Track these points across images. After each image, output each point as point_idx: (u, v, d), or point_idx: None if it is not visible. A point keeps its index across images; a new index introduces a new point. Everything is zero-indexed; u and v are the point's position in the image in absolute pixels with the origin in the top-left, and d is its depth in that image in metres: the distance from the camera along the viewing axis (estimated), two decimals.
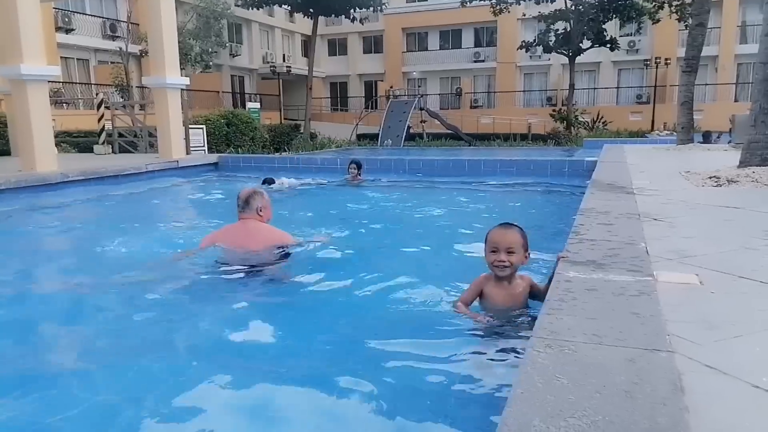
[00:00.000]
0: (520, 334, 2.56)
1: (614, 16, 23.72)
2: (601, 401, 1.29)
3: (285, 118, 30.71)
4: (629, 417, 1.22)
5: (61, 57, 22.26)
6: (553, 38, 24.82)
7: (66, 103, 22.04)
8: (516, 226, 2.82)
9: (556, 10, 24.35)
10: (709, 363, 1.50)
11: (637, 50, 31.78)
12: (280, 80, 30.28)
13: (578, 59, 25.22)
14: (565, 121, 23.58)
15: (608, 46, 24.59)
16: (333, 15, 26.49)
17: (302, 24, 34.40)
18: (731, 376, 1.44)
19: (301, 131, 25.60)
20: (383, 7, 27.02)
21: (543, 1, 23.86)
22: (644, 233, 3.14)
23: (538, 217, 5.94)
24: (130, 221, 6.08)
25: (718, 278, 2.30)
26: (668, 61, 27.94)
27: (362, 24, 27.76)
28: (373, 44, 38.69)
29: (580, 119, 24.23)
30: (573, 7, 23.48)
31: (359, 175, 8.52)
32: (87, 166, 8.83)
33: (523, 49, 26.83)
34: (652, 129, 25.21)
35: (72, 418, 2.06)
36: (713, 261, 2.56)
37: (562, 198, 7.14)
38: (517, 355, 2.40)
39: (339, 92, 39.85)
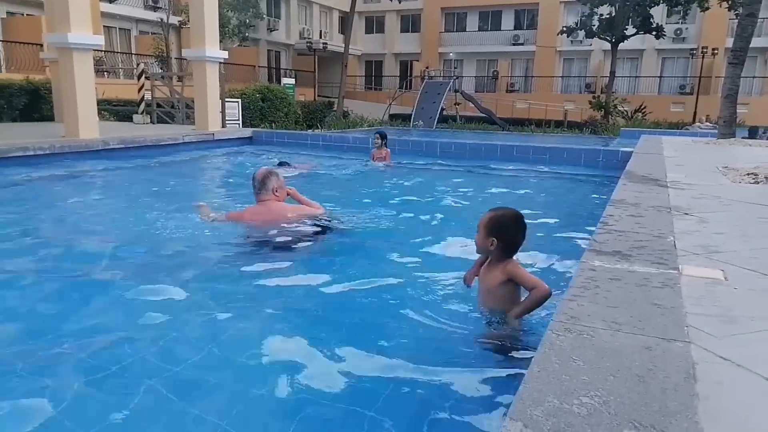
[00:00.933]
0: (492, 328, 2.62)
1: (662, 1, 22.91)
2: (615, 384, 1.35)
3: (319, 95, 30.79)
4: (640, 399, 1.28)
5: (103, 26, 22.70)
6: (596, 23, 24.16)
7: (107, 72, 22.53)
8: (497, 210, 2.73)
9: None
10: (724, 355, 1.54)
11: (683, 38, 30.74)
12: (316, 57, 30.30)
13: (621, 46, 24.55)
14: (603, 109, 23.07)
15: (654, 33, 23.83)
16: None
17: (340, 0, 34.23)
18: (745, 368, 1.47)
19: (335, 109, 25.67)
20: None
21: None
22: (674, 227, 3.14)
23: (568, 206, 5.92)
24: (165, 191, 6.28)
25: (743, 275, 2.30)
26: (716, 51, 26.95)
27: (400, 2, 27.50)
28: (411, 23, 38.32)
29: (619, 108, 23.66)
30: None
31: (384, 145, 8.59)
32: (126, 135, 9.10)
33: (564, 34, 26.23)
34: (694, 121, 24.47)
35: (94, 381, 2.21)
36: (741, 258, 2.56)
37: (594, 188, 7.07)
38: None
39: (374, 71, 39.71)
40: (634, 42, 26.08)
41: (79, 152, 7.89)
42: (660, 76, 32.44)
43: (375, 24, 39.12)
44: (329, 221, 4.34)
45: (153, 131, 10.40)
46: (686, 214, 3.57)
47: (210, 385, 2.17)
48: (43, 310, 2.90)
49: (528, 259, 3.77)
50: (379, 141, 8.62)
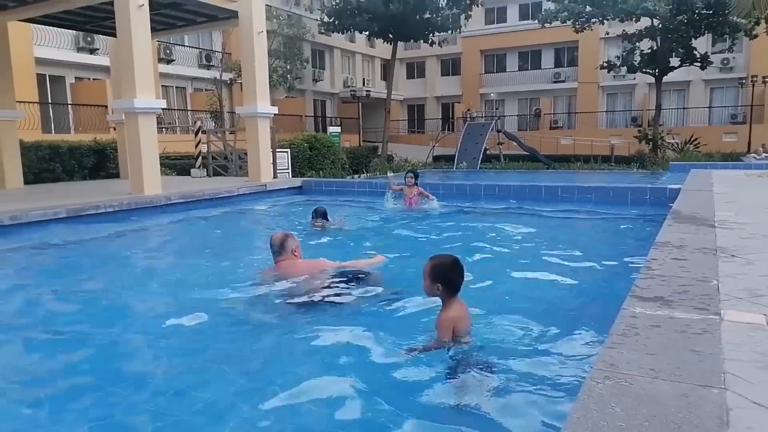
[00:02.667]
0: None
1: (706, 31, 22.64)
2: (650, 429, 1.46)
3: (363, 140, 31.66)
4: None
5: (161, 85, 24.25)
6: (638, 58, 24.06)
7: (165, 128, 23.94)
8: (437, 258, 3.12)
9: (641, 29, 23.61)
10: (758, 400, 1.62)
11: (731, 68, 30.13)
12: (360, 103, 31.30)
13: (666, 78, 24.27)
14: (650, 143, 22.71)
15: (699, 64, 23.51)
16: (411, 40, 27.16)
17: (382, 49, 35.41)
18: None
19: (379, 153, 26.32)
20: (461, 29, 27.41)
21: (627, 19, 23.07)
22: (718, 270, 3.17)
23: (615, 248, 5.88)
24: (223, 242, 6.66)
25: None
26: (766, 79, 26.26)
27: (440, 47, 28.27)
28: (451, 66, 39.14)
29: (668, 140, 23.21)
30: (660, 25, 22.64)
31: (416, 184, 8.69)
32: (186, 190, 9.69)
33: (606, 70, 26.20)
34: (749, 151, 23.71)
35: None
36: None
37: (641, 229, 7.01)
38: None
39: (416, 114, 40.51)
40: (679, 74, 25.74)
41: (145, 208, 8.46)
42: (709, 107, 31.74)
43: (416, 69, 40.15)
44: (355, 274, 4.40)
45: (210, 185, 11.01)
46: (732, 255, 3.59)
47: None
48: (113, 356, 3.20)
49: (571, 307, 3.84)
50: (413, 180, 8.67)
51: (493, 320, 3.56)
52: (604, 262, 5.10)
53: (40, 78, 19.91)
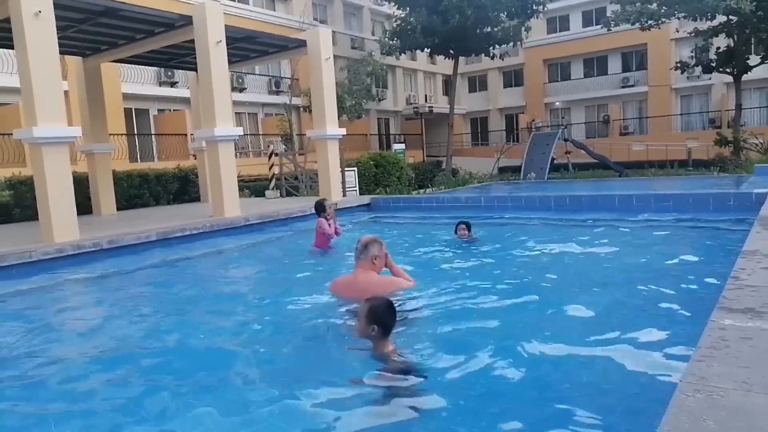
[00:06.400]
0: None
1: None
2: None
3: (427, 155, 31.85)
4: None
5: (235, 113, 25.49)
6: (713, 56, 22.90)
7: (239, 152, 25.09)
8: (373, 301, 3.17)
9: (716, 25, 22.44)
10: None
11: None
12: (423, 119, 31.53)
13: (745, 76, 22.94)
14: (731, 145, 21.50)
15: None
16: (473, 54, 27.15)
17: (443, 65, 35.60)
18: None
19: (443, 167, 26.39)
20: (522, 42, 27.13)
21: (700, 19, 21.88)
22: None
23: (695, 260, 5.65)
24: (300, 261, 6.96)
25: None
26: None
27: (502, 60, 28.09)
28: (513, 78, 38.75)
29: (750, 141, 21.87)
30: (735, 21, 21.42)
31: (470, 235, 7.33)
32: (263, 211, 10.16)
33: (679, 71, 25.04)
34: None
35: None
36: None
37: (726, 237, 6.71)
38: None
39: (479, 127, 40.30)
40: (760, 71, 24.20)
41: (226, 229, 8.97)
42: None
43: (478, 82, 40.02)
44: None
45: (284, 205, 11.47)
46: None
47: None
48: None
49: (653, 319, 3.78)
50: (466, 232, 7.27)
51: (567, 326, 3.57)
52: (687, 275, 4.95)
53: (127, 111, 21.47)
